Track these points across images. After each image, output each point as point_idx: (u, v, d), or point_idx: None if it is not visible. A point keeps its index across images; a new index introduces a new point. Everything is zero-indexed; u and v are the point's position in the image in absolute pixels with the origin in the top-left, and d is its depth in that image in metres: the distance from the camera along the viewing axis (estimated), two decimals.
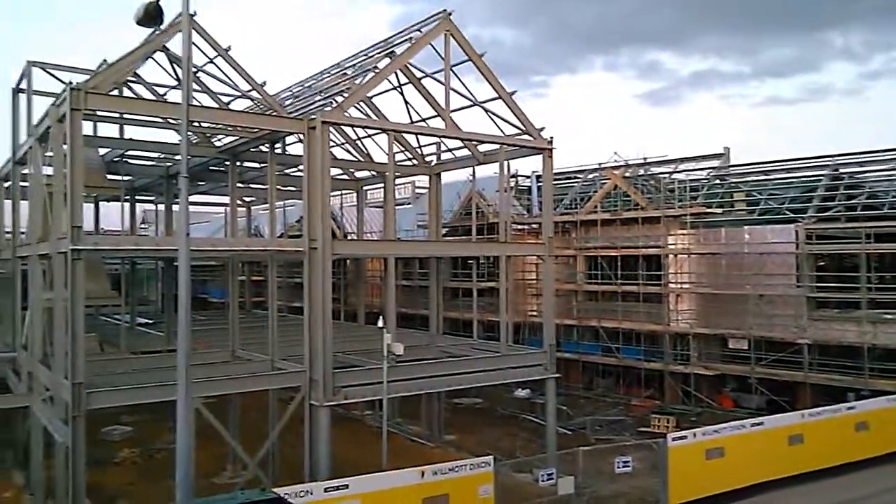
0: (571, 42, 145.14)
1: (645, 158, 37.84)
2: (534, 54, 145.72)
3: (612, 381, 35.84)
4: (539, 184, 38.65)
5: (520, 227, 38.37)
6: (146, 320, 33.43)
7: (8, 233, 27.80)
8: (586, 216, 36.93)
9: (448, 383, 21.88)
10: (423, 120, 24.93)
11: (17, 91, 24.30)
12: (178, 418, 11.31)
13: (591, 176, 40.77)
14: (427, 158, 27.70)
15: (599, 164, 40.20)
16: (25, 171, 23.44)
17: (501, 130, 23.33)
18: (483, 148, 25.18)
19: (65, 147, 16.48)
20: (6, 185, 27.04)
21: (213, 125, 21.59)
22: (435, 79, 23.00)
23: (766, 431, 20.52)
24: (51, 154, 20.12)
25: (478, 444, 25.94)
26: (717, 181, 38.34)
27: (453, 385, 22.17)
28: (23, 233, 24.67)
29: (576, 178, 42.24)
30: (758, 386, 30.43)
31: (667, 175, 38.14)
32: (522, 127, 22.87)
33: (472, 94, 23.38)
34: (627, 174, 37.49)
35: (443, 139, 25.75)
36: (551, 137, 23.15)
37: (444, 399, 27.94)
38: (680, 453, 18.81)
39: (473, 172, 27.84)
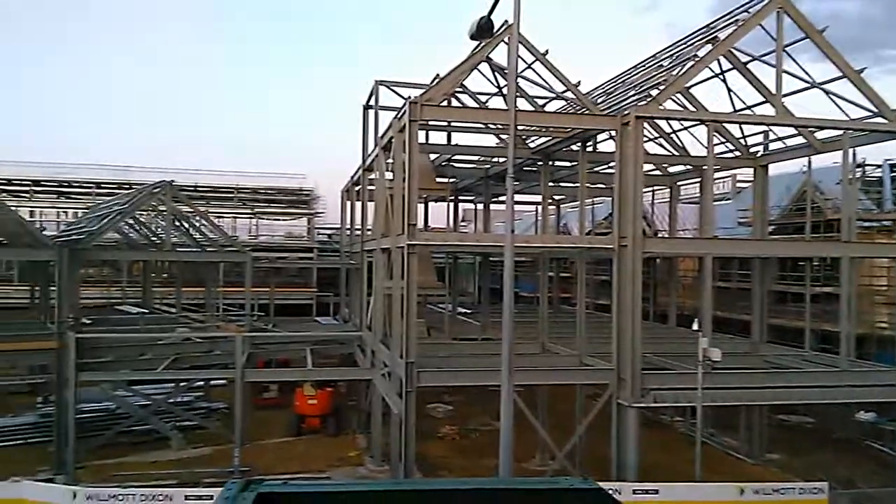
0: None
1: None
2: (886, 25, 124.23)
3: None
4: (894, 173, 32.90)
5: (867, 224, 33.01)
6: (465, 310, 36.32)
7: (357, 230, 32.53)
8: None
9: (773, 397, 19.77)
10: (748, 107, 22.86)
11: (366, 108, 28.18)
12: (503, 402, 12.08)
13: None
14: (752, 149, 25.36)
15: None
16: (372, 176, 27.03)
17: (846, 114, 20.31)
18: (821, 135, 22.21)
19: (404, 154, 18.61)
20: (356, 188, 31.60)
21: (529, 127, 22.46)
22: (764, 62, 20.90)
23: None
24: (391, 161, 22.92)
25: (807, 468, 22.98)
26: None
27: (780, 399, 19.99)
28: (369, 230, 28.54)
29: None
30: None
31: None
32: (874, 108, 19.61)
33: (809, 74, 20.77)
34: None
35: (771, 127, 23.32)
36: None
37: (767, 414, 25.33)
38: None
39: (809, 163, 24.70)
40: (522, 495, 4.18)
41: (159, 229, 36.75)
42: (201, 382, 29.12)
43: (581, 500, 4.19)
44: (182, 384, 27.55)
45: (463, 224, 45.63)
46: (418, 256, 18.57)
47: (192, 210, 34.83)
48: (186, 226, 34.14)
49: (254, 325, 30.50)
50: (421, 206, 32.95)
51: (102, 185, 56.53)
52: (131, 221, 35.35)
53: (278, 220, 58.73)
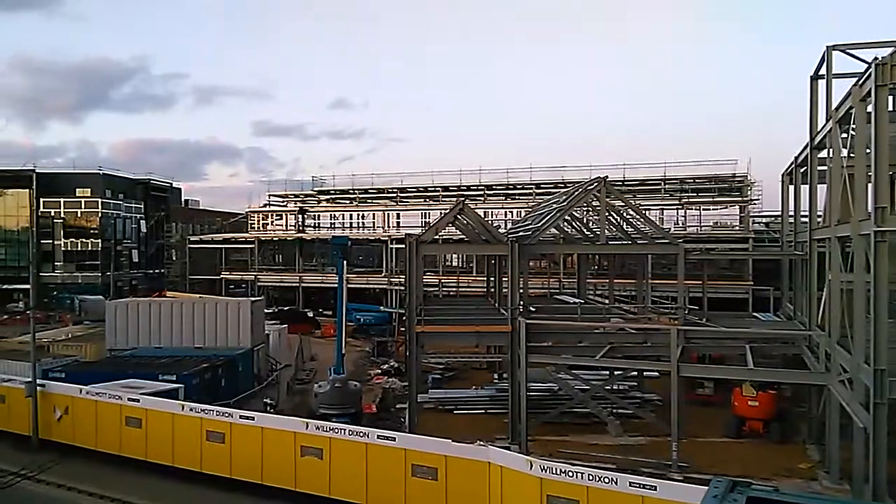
0: None
1: None
2: None
3: None
4: None
5: None
6: None
7: (803, 216, 29.14)
8: None
9: None
10: None
11: (815, 78, 24.95)
12: None
13: None
14: None
15: None
16: (822, 154, 23.90)
17: None
18: None
19: (868, 125, 15.93)
20: (802, 170, 28.29)
21: None
22: None
23: None
24: (844, 136, 19.90)
25: None
26: None
27: None
28: (819, 215, 25.30)
29: None
30: None
31: None
32: None
33: None
34: None
35: None
36: None
37: None
38: None
39: None
40: None
41: (591, 223, 38.69)
42: (635, 372, 29.67)
43: None
44: (617, 373, 28.47)
45: None
46: (888, 245, 15.73)
47: (623, 204, 35.72)
48: (618, 219, 35.17)
49: (686, 318, 29.82)
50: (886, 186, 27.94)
51: (541, 186, 62.43)
52: (567, 217, 37.96)
53: (707, 209, 56.60)
